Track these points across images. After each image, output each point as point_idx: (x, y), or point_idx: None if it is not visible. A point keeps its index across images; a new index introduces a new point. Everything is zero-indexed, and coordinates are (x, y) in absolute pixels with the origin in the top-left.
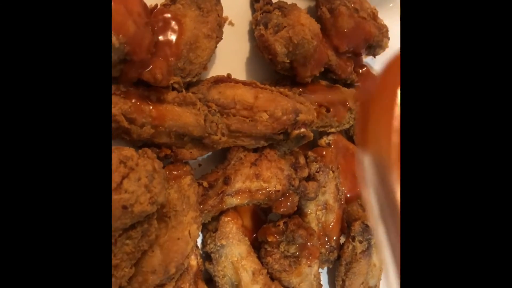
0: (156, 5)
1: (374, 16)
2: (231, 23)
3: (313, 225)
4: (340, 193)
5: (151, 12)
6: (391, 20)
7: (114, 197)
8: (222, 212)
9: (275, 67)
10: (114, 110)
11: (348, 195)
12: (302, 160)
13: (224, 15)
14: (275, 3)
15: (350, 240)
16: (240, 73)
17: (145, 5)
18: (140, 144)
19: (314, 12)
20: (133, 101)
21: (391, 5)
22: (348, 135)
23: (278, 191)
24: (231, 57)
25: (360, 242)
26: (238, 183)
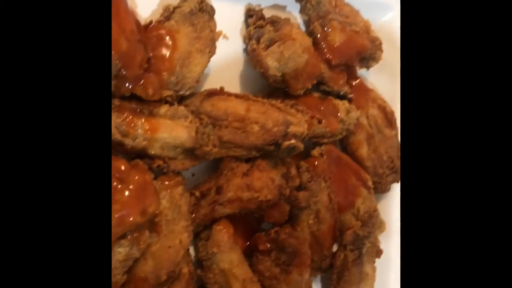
0: (151, 21)
1: (367, 29)
2: (225, 37)
3: (306, 233)
4: (332, 203)
5: (146, 28)
6: (386, 32)
7: None
8: (215, 221)
9: (267, 81)
10: None
11: (341, 204)
12: (293, 170)
13: (219, 29)
14: (268, 18)
15: (342, 248)
16: (234, 85)
17: (138, 22)
18: (133, 155)
19: (307, 25)
20: (125, 114)
21: (386, 17)
22: (342, 145)
23: (269, 200)
24: (225, 69)
25: (352, 251)
26: (230, 193)
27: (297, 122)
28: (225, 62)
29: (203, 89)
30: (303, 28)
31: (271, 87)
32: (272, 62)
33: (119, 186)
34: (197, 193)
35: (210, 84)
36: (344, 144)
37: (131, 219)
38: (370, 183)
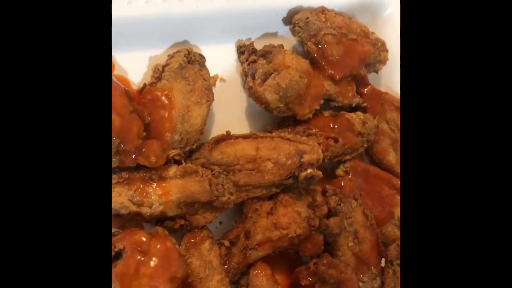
0: (145, 84)
1: (365, 34)
2: (222, 80)
3: (348, 257)
4: (369, 219)
5: (140, 92)
6: (389, 29)
7: (134, 282)
8: (251, 265)
9: (271, 113)
10: (121, 199)
11: (380, 217)
12: (319, 198)
13: (214, 72)
14: (260, 50)
15: (389, 264)
16: (242, 124)
17: (129, 92)
18: (154, 221)
19: (303, 46)
20: (136, 185)
21: (385, 14)
22: (368, 155)
23: (300, 235)
24: (229, 111)
25: (399, 265)
26: (259, 235)
27: (310, 149)
28: (228, 103)
29: (211, 136)
30: (299, 49)
31: (279, 117)
32: (271, 96)
33: (143, 258)
34: (226, 243)
35: (218, 129)
36: (370, 154)
37: None
38: None
